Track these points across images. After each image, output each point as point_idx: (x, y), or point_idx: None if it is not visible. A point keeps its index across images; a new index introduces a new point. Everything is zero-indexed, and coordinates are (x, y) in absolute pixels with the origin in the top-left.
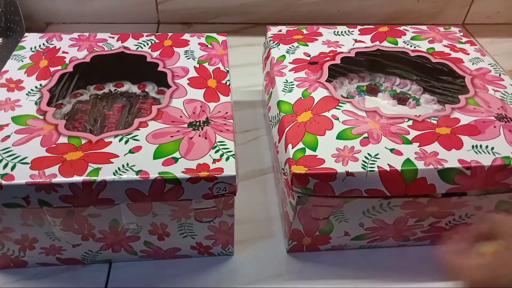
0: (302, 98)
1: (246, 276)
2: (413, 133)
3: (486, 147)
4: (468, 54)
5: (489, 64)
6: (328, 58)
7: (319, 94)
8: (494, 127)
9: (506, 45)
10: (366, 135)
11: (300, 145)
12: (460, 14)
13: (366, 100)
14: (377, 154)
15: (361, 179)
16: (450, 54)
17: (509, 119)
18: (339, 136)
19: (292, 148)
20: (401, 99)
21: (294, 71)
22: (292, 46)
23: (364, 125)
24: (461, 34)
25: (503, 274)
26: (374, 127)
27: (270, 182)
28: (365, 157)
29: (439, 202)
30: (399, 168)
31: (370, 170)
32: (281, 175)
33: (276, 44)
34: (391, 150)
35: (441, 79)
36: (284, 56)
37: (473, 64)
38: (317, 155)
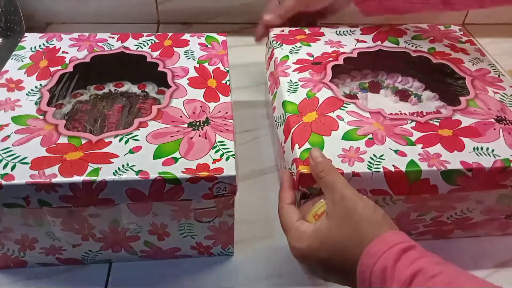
0: (307, 99)
1: (246, 276)
2: (416, 135)
3: (487, 149)
4: (468, 54)
5: (488, 65)
6: (331, 59)
7: (323, 94)
8: (494, 129)
9: (506, 45)
10: (371, 136)
11: (307, 145)
12: (460, 14)
13: (368, 97)
14: (382, 155)
15: (367, 180)
16: (451, 55)
17: (508, 121)
18: (345, 137)
19: (299, 148)
20: (403, 95)
21: (298, 72)
22: (295, 46)
23: (368, 126)
24: (461, 33)
25: (319, 247)
26: (378, 128)
27: (270, 182)
28: (371, 158)
29: (441, 196)
30: (403, 169)
31: (375, 171)
32: None
33: (279, 44)
34: (396, 151)
35: (442, 80)
36: (287, 56)
37: (473, 64)
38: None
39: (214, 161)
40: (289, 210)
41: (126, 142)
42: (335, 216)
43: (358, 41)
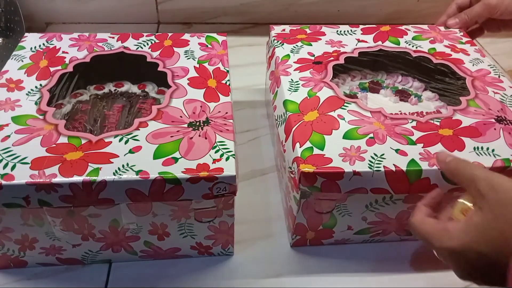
0: (308, 98)
1: (246, 276)
2: (417, 134)
3: (487, 149)
4: (469, 55)
5: (488, 65)
6: (332, 58)
7: (324, 93)
8: (495, 129)
9: (506, 45)
10: (371, 135)
11: (308, 144)
12: None
13: (368, 97)
14: (382, 154)
15: (367, 179)
16: (451, 55)
17: (508, 121)
18: (346, 136)
19: (300, 147)
20: (403, 95)
21: (299, 71)
22: (296, 45)
23: (369, 125)
24: (461, 34)
25: (476, 240)
26: (379, 127)
27: (270, 182)
28: (372, 157)
29: None
30: (404, 168)
31: (376, 170)
32: (285, 171)
33: (280, 43)
34: (396, 151)
35: (443, 81)
36: (288, 55)
37: (473, 65)
38: (324, 154)
39: (214, 161)
40: (423, 219)
41: (126, 142)
42: (489, 206)
43: (359, 41)
